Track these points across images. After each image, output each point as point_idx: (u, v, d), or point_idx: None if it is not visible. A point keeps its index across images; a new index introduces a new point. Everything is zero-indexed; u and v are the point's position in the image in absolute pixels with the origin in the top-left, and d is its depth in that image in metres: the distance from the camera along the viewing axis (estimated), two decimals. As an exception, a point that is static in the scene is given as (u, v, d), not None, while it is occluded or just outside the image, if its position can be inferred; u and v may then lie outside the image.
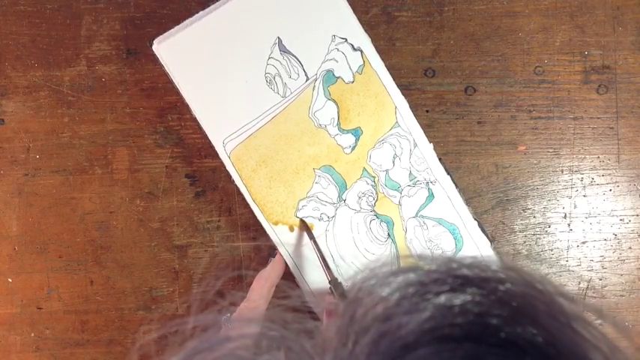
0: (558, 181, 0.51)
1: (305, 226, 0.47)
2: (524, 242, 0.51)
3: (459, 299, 0.21)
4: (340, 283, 0.44)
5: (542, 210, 0.51)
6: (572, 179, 0.51)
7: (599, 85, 0.51)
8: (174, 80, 0.47)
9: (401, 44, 0.51)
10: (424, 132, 0.49)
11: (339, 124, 0.48)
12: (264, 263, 0.48)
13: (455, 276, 0.21)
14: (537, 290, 0.21)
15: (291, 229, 0.48)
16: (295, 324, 0.23)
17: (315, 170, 0.48)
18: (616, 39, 0.51)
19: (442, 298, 0.21)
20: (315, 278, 0.48)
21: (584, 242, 0.52)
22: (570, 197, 0.51)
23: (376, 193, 0.49)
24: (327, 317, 0.41)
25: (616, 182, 0.51)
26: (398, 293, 0.21)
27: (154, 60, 0.48)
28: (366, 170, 0.49)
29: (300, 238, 0.48)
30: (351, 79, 0.48)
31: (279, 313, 0.25)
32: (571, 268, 0.51)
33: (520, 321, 0.20)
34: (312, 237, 0.47)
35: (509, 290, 0.21)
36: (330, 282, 0.44)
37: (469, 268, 0.22)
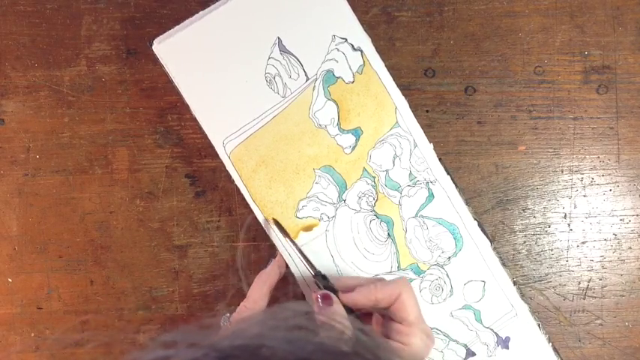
0: (558, 181, 0.51)
1: (279, 226, 0.47)
2: (524, 242, 0.51)
3: None
4: (324, 274, 0.44)
5: (542, 210, 0.51)
6: (572, 179, 0.51)
7: (599, 85, 0.51)
8: (174, 80, 0.47)
9: (401, 44, 0.51)
10: (424, 132, 0.49)
11: (339, 124, 0.48)
12: (264, 263, 0.48)
13: (218, 350, 0.19)
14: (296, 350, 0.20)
15: (291, 229, 0.48)
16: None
17: (315, 170, 0.48)
18: (616, 39, 0.51)
19: None
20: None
21: (584, 242, 0.52)
22: (570, 197, 0.51)
23: (376, 193, 0.49)
24: (318, 310, 0.41)
25: (616, 182, 0.51)
26: None
27: (154, 60, 0.48)
28: (366, 170, 0.49)
29: (300, 238, 0.48)
30: (351, 79, 0.48)
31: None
32: (571, 268, 0.52)
33: None
34: (286, 235, 0.46)
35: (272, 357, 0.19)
36: (314, 276, 0.44)
37: (231, 340, 0.20)
